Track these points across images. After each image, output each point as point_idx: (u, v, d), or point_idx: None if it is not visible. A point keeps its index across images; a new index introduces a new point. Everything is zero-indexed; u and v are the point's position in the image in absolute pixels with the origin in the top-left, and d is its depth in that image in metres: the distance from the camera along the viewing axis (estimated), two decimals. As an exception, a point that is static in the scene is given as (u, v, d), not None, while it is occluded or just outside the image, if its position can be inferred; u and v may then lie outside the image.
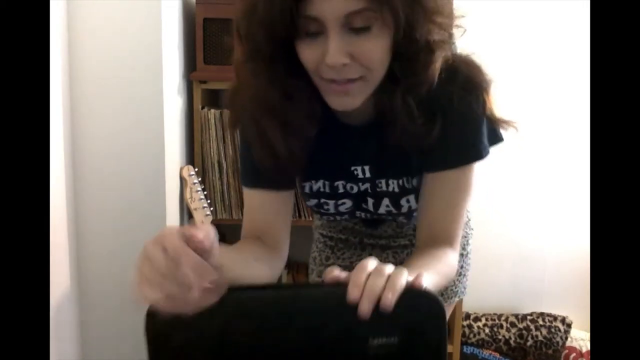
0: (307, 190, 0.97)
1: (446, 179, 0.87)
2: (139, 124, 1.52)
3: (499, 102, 0.87)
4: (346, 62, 0.75)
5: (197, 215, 1.83)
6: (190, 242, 0.57)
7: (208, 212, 1.85)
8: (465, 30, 0.85)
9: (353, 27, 0.73)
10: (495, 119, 0.87)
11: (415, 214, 0.96)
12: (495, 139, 0.89)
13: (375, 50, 0.75)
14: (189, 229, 0.59)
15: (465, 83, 0.83)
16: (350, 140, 0.91)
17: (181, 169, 1.81)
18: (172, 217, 1.69)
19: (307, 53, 0.77)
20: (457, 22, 0.82)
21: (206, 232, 0.58)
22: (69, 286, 1.50)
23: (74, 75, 1.49)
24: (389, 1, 0.71)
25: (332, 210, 0.98)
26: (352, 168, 0.93)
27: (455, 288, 1.18)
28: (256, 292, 0.62)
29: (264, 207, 0.94)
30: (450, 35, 0.82)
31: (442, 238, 0.86)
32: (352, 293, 0.57)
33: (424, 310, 0.58)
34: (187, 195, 1.83)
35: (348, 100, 0.79)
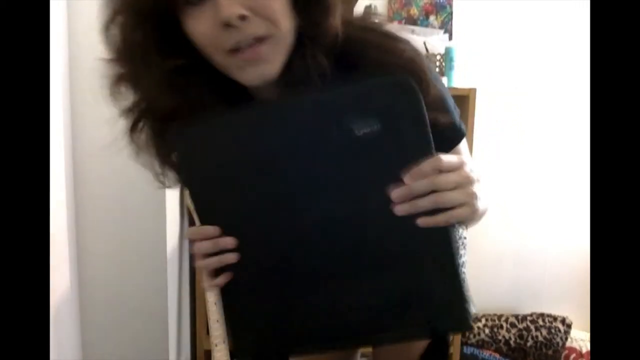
0: None
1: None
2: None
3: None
4: (245, 14, 0.66)
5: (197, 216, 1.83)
6: None
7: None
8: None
9: None
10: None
11: None
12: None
13: None
14: None
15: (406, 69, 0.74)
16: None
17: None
18: (172, 217, 1.69)
19: (197, 24, 0.68)
20: None
21: None
22: (69, 286, 1.50)
23: (73, 75, 1.49)
24: None
25: None
26: None
27: None
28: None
29: None
30: None
31: None
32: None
33: (397, 93, 0.62)
34: (187, 195, 1.82)
35: (263, 67, 0.71)
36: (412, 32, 2.02)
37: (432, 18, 2.16)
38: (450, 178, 0.63)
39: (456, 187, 0.63)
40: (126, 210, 1.57)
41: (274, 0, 0.68)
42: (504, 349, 2.16)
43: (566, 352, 2.14)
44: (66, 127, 1.48)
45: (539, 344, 2.15)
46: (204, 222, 0.70)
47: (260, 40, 0.69)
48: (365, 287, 0.66)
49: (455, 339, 2.05)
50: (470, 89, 1.82)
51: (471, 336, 2.17)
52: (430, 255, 0.65)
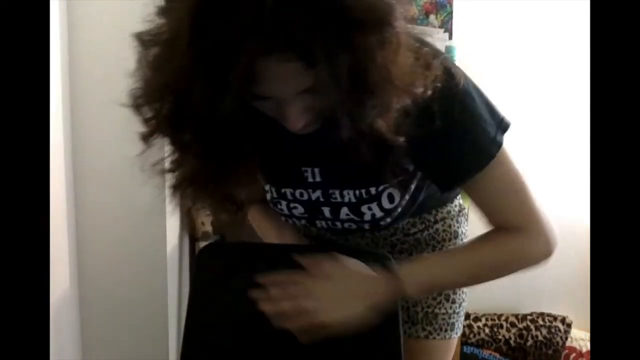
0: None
1: (481, 182, 0.83)
2: (140, 125, 1.51)
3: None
4: (308, 121, 0.72)
5: (197, 216, 1.83)
6: None
7: (208, 212, 1.85)
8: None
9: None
10: (492, 107, 0.83)
11: (382, 222, 0.90)
12: (502, 125, 0.84)
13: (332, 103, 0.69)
14: None
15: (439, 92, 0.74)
16: (301, 135, 0.82)
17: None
18: (172, 217, 1.69)
19: (261, 106, 0.72)
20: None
21: None
22: (69, 286, 1.50)
23: (74, 75, 1.49)
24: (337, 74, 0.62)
25: (285, 212, 0.94)
26: (303, 169, 0.89)
27: (451, 319, 1.06)
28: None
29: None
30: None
31: (514, 226, 0.86)
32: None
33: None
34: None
35: (307, 129, 0.75)
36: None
37: (432, 17, 2.15)
38: (288, 303, 0.82)
39: (300, 311, 0.81)
40: (126, 210, 1.57)
41: (332, 105, 0.68)
42: (504, 348, 2.16)
43: (566, 351, 2.14)
44: (66, 127, 1.48)
45: (539, 343, 2.15)
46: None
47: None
48: None
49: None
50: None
51: (471, 335, 2.17)
52: None
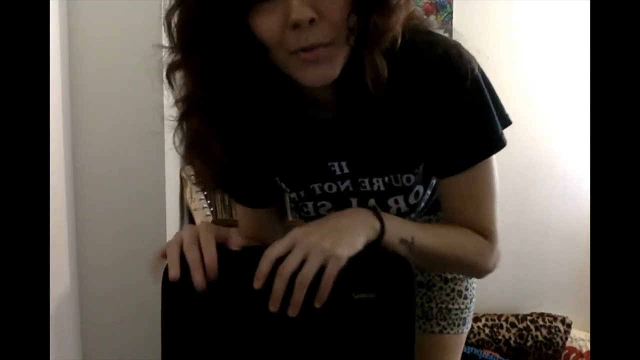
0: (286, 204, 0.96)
1: (463, 180, 0.82)
2: (139, 125, 1.52)
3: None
4: (314, 17, 0.67)
5: (197, 216, 1.83)
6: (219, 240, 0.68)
7: (208, 213, 1.85)
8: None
9: None
10: (497, 99, 0.83)
11: (407, 218, 0.91)
12: (504, 120, 0.84)
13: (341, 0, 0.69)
14: (225, 231, 0.70)
15: (445, 68, 0.78)
16: (322, 133, 0.84)
17: (181, 170, 1.81)
18: (172, 217, 1.69)
19: (266, 22, 0.69)
20: None
21: (236, 239, 0.70)
22: (69, 286, 1.51)
23: (74, 75, 1.49)
24: None
25: (312, 213, 0.93)
26: (329, 164, 0.87)
27: (463, 314, 1.07)
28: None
29: (256, 220, 0.96)
30: None
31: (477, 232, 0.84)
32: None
33: (395, 271, 0.68)
34: (187, 195, 1.82)
35: (324, 68, 0.72)
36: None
37: (432, 17, 2.16)
38: (291, 259, 0.66)
39: (305, 257, 0.66)
40: (126, 209, 1.57)
41: (341, 4, 0.69)
42: (504, 348, 2.16)
43: (566, 351, 2.14)
44: (66, 127, 1.48)
45: (539, 343, 2.15)
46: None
47: (323, 44, 0.70)
48: None
49: (455, 339, 2.05)
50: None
51: (471, 335, 2.17)
52: None
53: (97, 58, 1.49)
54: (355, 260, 0.67)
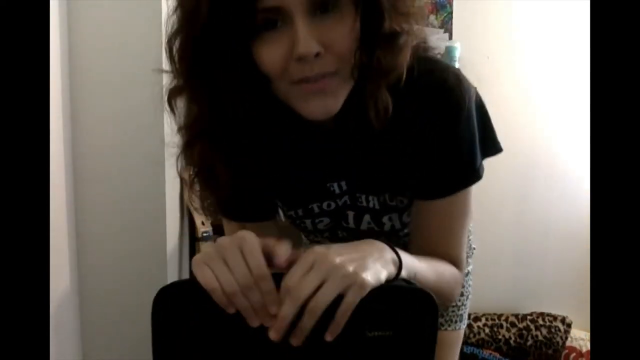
0: (280, 214, 0.94)
1: (439, 206, 0.81)
2: (139, 125, 1.52)
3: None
4: (320, 51, 0.65)
5: (197, 216, 1.83)
6: (270, 260, 0.59)
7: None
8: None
9: (320, 8, 0.65)
10: (491, 127, 0.82)
11: (400, 233, 0.91)
12: (494, 148, 0.83)
13: (348, 34, 0.67)
14: (272, 243, 0.61)
15: (444, 98, 0.76)
16: (322, 158, 0.83)
17: (181, 170, 1.81)
18: (172, 217, 1.69)
19: (268, 51, 0.67)
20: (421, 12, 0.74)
21: (286, 251, 0.61)
22: (69, 286, 1.50)
23: (74, 75, 1.49)
24: None
25: (310, 228, 0.92)
26: (328, 184, 0.86)
27: (460, 311, 1.10)
28: None
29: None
30: (420, 18, 0.73)
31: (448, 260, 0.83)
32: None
33: (417, 306, 0.62)
34: (188, 195, 1.82)
35: (328, 100, 0.70)
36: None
37: (432, 17, 2.16)
38: (308, 281, 0.58)
39: (323, 281, 0.58)
40: (126, 210, 1.57)
41: (348, 33, 0.67)
42: (504, 348, 2.16)
43: (566, 351, 2.14)
44: (66, 127, 1.48)
45: (539, 343, 2.15)
46: None
47: (328, 75, 0.68)
48: None
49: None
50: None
51: (471, 335, 2.17)
52: None
53: (97, 58, 1.49)
54: (373, 293, 0.60)
